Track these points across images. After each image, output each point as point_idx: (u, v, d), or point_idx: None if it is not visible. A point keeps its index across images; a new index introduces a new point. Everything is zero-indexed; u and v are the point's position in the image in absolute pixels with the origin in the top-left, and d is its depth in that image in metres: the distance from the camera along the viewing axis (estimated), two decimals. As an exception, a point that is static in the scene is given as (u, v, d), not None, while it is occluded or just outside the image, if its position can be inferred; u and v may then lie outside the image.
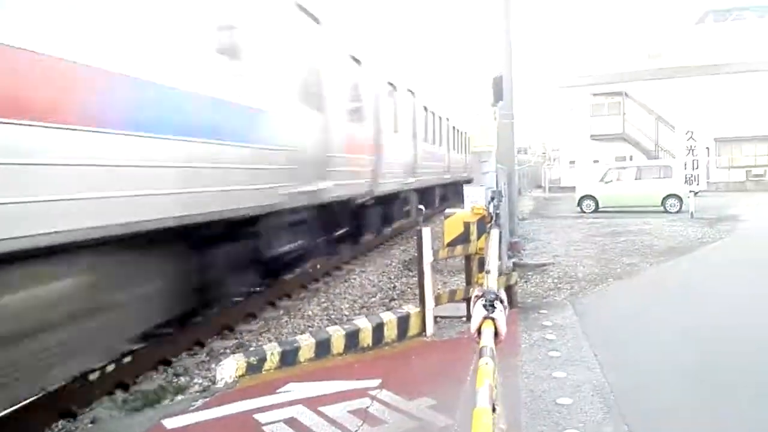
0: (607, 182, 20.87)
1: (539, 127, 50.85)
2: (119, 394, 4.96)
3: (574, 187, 23.88)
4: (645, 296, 7.85)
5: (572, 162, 36.95)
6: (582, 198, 21.09)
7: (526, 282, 8.67)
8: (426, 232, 6.14)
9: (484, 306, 3.37)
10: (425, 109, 17.66)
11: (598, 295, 7.89)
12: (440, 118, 20.55)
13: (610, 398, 4.35)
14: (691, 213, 16.92)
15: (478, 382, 2.49)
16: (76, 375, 4.88)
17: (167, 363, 5.72)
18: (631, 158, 32.16)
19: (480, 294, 3.55)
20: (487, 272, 3.91)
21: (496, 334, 3.27)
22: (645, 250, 11.26)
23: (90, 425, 4.35)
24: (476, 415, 2.16)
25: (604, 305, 7.45)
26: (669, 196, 19.36)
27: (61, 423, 4.37)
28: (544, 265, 9.89)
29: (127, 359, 5.51)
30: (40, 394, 4.55)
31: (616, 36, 37.22)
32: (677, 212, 18.66)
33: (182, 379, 5.25)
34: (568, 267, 9.64)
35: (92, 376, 5.03)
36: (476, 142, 11.78)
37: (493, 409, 2.64)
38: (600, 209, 20.29)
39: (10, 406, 4.22)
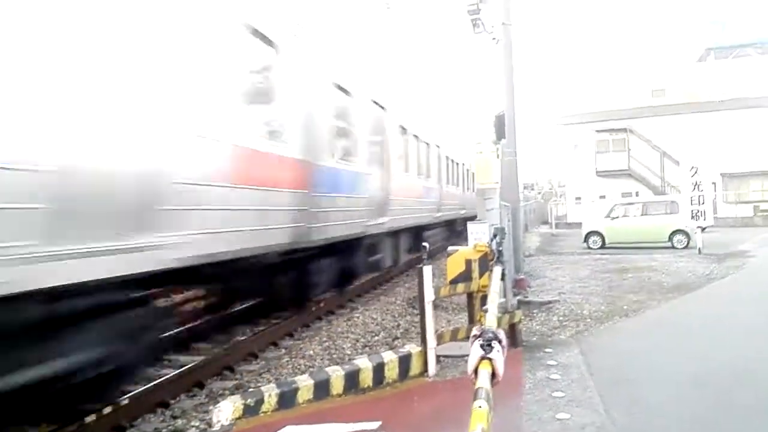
0: (613, 218, 20.78)
1: (545, 163, 51.06)
2: (116, 438, 4.88)
3: (580, 223, 23.79)
4: (652, 334, 7.71)
5: (578, 198, 36.92)
6: (588, 234, 20.99)
7: (530, 320, 8.56)
8: (427, 270, 6.10)
9: (482, 346, 3.31)
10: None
11: (605, 334, 7.76)
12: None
13: (615, 441, 4.23)
14: (699, 249, 16.78)
15: (471, 425, 2.43)
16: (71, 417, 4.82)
17: (165, 405, 5.64)
18: (637, 194, 32.12)
19: (478, 333, 3.49)
20: (485, 311, 3.87)
21: (494, 375, 3.19)
22: (652, 287, 11.13)
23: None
24: (467, 463, 2.10)
25: (610, 344, 7.32)
26: (676, 231, 19.24)
27: (53, 468, 4.28)
28: (549, 302, 9.77)
29: (125, 401, 5.45)
30: None
31: (619, 73, 37.66)
32: (685, 248, 18.51)
33: (179, 421, 5.17)
34: (573, 304, 9.52)
35: (88, 419, 4.96)
36: (480, 179, 11.93)
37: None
38: (607, 245, 20.16)
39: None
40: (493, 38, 11.84)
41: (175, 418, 5.30)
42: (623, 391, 5.39)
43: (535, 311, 9.14)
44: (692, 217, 17.17)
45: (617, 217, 20.74)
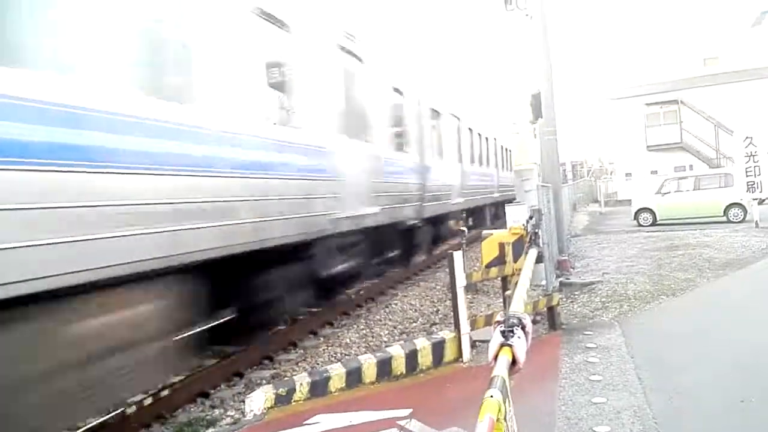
0: (664, 194, 20.05)
1: (594, 140, 49.71)
2: (155, 428, 5.04)
3: (630, 201, 23.08)
4: (699, 315, 7.43)
5: (628, 174, 35.79)
6: (638, 211, 20.34)
7: (572, 302, 8.37)
8: (458, 255, 6.03)
9: (502, 332, 3.24)
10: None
11: (649, 315, 7.51)
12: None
13: (651, 426, 4.10)
14: (756, 222, 16.02)
15: (479, 415, 2.38)
16: (113, 408, 5.01)
17: (206, 395, 5.79)
18: (691, 167, 30.88)
19: (501, 319, 3.42)
20: (508, 297, 3.79)
21: (515, 362, 3.12)
22: (703, 264, 10.70)
23: (123, 460, 4.42)
24: (470, 454, 2.06)
25: (654, 325, 7.08)
26: (731, 205, 18.42)
27: (96, 457, 4.46)
28: (592, 283, 9.53)
29: (166, 392, 5.62)
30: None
31: (668, 42, 36.18)
32: (741, 222, 17.71)
33: (216, 411, 5.29)
34: (618, 285, 9.25)
35: (129, 410, 5.15)
36: (517, 161, 11.68)
37: (503, 444, 2.50)
38: (658, 222, 19.50)
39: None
40: (526, 14, 11.51)
41: (213, 407, 5.44)
42: (664, 374, 5.21)
43: (577, 293, 8.93)
44: (748, 190, 16.40)
45: (668, 193, 19.99)
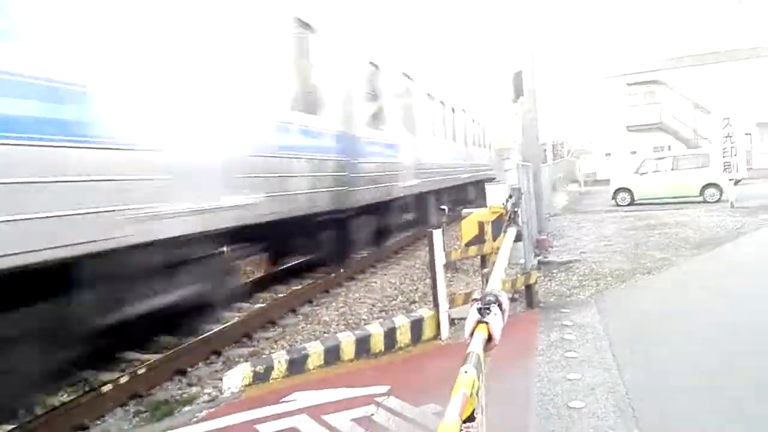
0: (642, 174, 20.26)
1: (574, 120, 49.87)
2: (132, 406, 5.01)
3: (609, 181, 23.30)
4: (674, 293, 7.54)
5: (608, 154, 36.07)
6: (617, 191, 20.56)
7: (550, 280, 8.44)
8: (437, 233, 6.03)
9: (479, 310, 3.24)
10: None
11: (625, 293, 7.61)
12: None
13: (624, 401, 4.16)
14: (731, 203, 16.28)
15: (453, 391, 2.38)
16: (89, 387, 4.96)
17: (183, 372, 5.76)
18: (669, 148, 31.21)
19: (478, 297, 3.42)
20: (484, 274, 3.80)
21: (491, 339, 3.13)
22: (679, 243, 10.85)
23: (98, 438, 4.39)
24: (441, 429, 2.07)
25: (630, 303, 7.18)
26: (708, 185, 18.69)
27: (71, 436, 4.42)
28: (570, 262, 9.62)
29: (142, 370, 5.58)
30: (56, 409, 4.64)
31: (648, 22, 36.18)
32: (716, 202, 18.00)
33: (194, 389, 5.27)
34: (595, 263, 9.35)
35: (105, 388, 5.10)
36: (497, 140, 11.69)
37: (471, 418, 2.52)
38: (636, 202, 19.74)
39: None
40: (509, -8, 11.41)
41: (190, 385, 5.42)
42: (639, 351, 5.29)
43: (554, 271, 9.01)
44: (724, 170, 16.61)
45: (646, 173, 20.21)
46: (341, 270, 9.95)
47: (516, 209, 7.14)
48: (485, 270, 6.13)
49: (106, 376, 5.50)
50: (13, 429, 4.36)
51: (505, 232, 6.41)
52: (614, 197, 20.45)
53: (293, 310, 8.01)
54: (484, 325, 3.09)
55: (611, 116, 35.15)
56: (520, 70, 11.19)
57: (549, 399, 4.31)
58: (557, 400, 4.29)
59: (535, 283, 7.09)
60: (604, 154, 37.05)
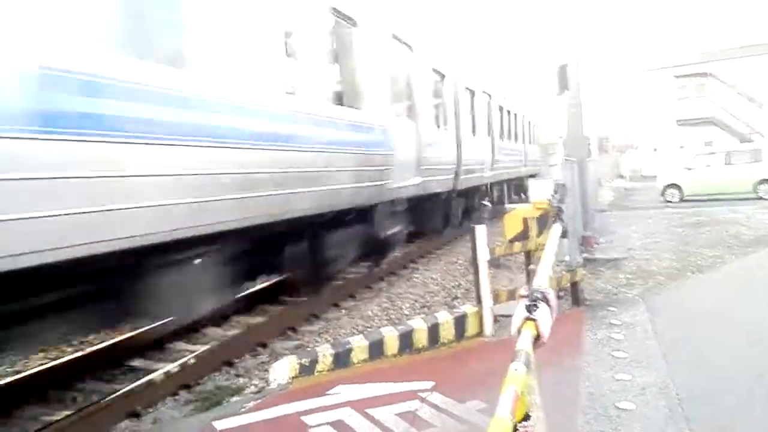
0: (692, 169, 19.66)
1: (620, 114, 48.70)
2: (183, 395, 5.14)
3: (656, 177, 22.70)
4: (726, 292, 7.31)
5: (655, 149, 35.12)
6: (666, 187, 20.05)
7: (596, 278, 8.29)
8: (481, 229, 5.99)
9: (527, 306, 3.22)
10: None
11: (674, 292, 7.42)
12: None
13: (675, 403, 4.06)
14: (788, 199, 15.68)
15: (503, 387, 2.37)
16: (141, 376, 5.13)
17: (230, 364, 5.89)
18: (720, 143, 30.19)
19: (525, 293, 3.39)
20: (530, 271, 3.76)
21: (539, 336, 3.10)
22: (731, 240, 10.50)
23: (151, 425, 4.53)
24: (492, 426, 2.06)
25: (680, 302, 6.99)
26: (762, 181, 18.05)
27: (125, 423, 4.58)
28: (617, 259, 9.43)
29: (192, 360, 5.73)
30: (111, 397, 4.82)
31: (697, 12, 35.06)
32: (772, 198, 17.38)
33: (241, 380, 5.38)
34: (643, 261, 9.14)
35: (157, 377, 5.26)
36: (542, 135, 11.52)
37: (526, 418, 2.50)
38: (685, 198, 19.19)
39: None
40: (555, -16, 11.21)
41: (238, 376, 5.53)
42: (690, 351, 5.15)
43: (601, 269, 8.84)
44: (780, 165, 16.01)
45: (697, 168, 19.60)
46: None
47: (561, 205, 7.03)
48: (531, 266, 6.05)
49: (156, 365, 5.67)
50: (71, 414, 4.55)
51: (550, 228, 6.33)
52: (663, 193, 19.92)
53: (336, 305, 8.08)
54: (532, 322, 3.06)
55: (659, 110, 34.19)
56: (565, 63, 10.96)
57: (597, 399, 4.24)
58: (605, 400, 4.22)
59: (581, 280, 6.97)
60: (651, 149, 36.10)
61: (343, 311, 7.76)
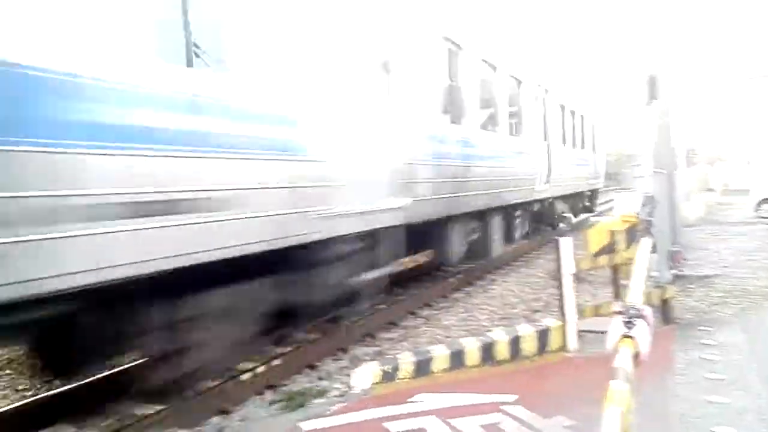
0: (790, 183, 18.44)
1: (709, 124, 46.31)
2: (268, 395, 5.33)
3: (748, 190, 21.40)
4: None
5: (749, 162, 33.08)
6: (761, 202, 18.85)
7: (687, 296, 7.92)
8: (566, 241, 5.87)
9: (624, 323, 3.15)
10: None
11: (773, 313, 6.99)
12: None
13: (778, 431, 3.84)
14: None
15: (605, 406, 2.34)
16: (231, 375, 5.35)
17: (312, 367, 6.04)
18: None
19: (621, 310, 3.32)
20: (624, 286, 3.66)
21: (637, 354, 3.03)
22: (836, 260, 9.78)
23: (239, 423, 4.72)
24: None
25: (780, 324, 6.58)
26: None
27: (216, 419, 4.79)
28: (709, 276, 8.97)
29: (277, 362, 5.93)
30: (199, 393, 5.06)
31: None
32: None
33: (324, 383, 5.51)
34: (738, 279, 8.65)
35: (245, 376, 5.48)
36: (626, 145, 11.16)
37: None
38: (783, 214, 17.99)
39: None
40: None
41: (320, 379, 5.67)
42: (792, 376, 4.85)
43: (692, 286, 8.44)
44: None
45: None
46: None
47: (650, 218, 6.79)
48: (622, 282, 5.87)
49: (243, 365, 5.89)
50: (165, 408, 4.81)
51: (638, 242, 6.12)
52: (756, 208, 18.76)
53: (413, 313, 8.13)
54: (629, 339, 2.98)
55: (755, 120, 32.22)
56: (654, 72, 10.58)
57: (690, 421, 4.08)
58: (699, 423, 4.05)
59: (672, 297, 6.70)
60: (743, 162, 34.04)
61: (421, 320, 7.79)
